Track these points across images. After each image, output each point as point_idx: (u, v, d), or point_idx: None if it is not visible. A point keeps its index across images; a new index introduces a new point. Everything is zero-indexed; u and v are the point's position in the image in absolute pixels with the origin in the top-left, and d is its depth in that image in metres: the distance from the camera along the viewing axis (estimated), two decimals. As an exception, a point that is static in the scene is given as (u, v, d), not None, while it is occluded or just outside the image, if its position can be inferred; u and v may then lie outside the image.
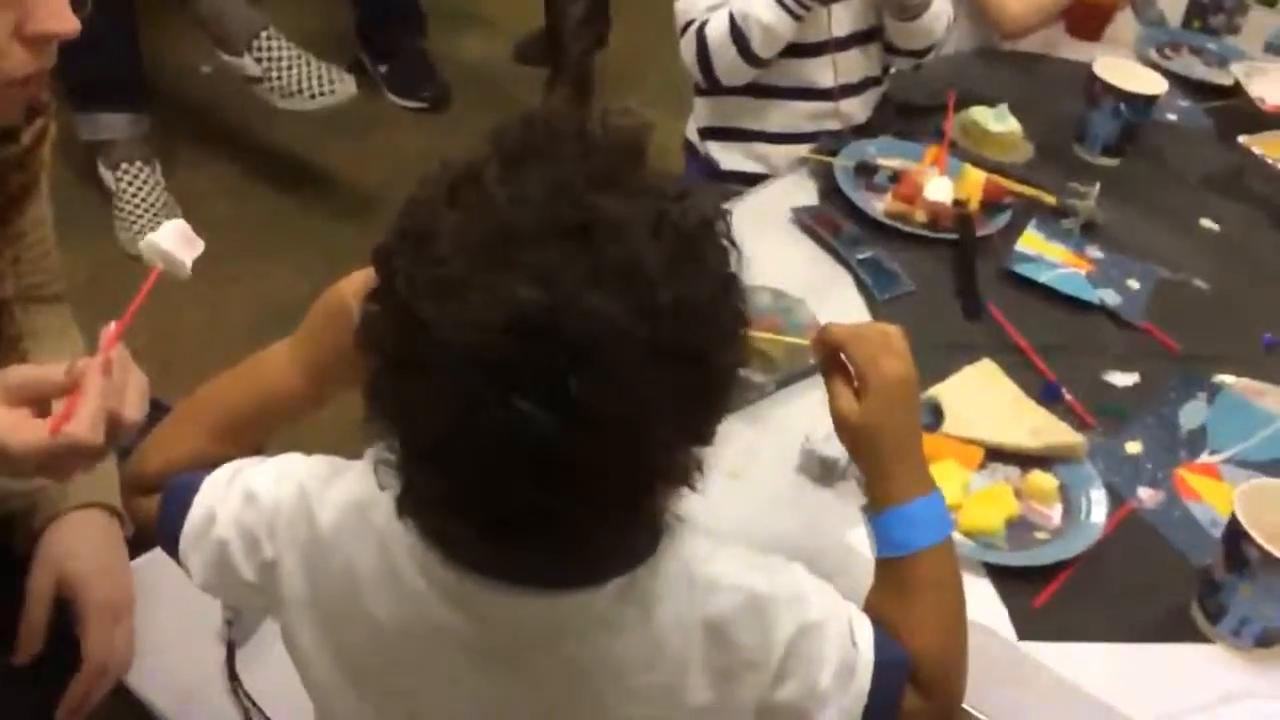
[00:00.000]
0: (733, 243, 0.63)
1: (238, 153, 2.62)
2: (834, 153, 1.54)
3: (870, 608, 0.78)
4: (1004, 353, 1.30)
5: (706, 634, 0.69)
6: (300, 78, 2.30)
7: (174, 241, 0.81)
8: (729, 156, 1.66)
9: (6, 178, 0.99)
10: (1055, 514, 1.12)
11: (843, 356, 0.83)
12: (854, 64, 1.61)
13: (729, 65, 1.52)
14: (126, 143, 2.36)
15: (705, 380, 0.61)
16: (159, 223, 2.27)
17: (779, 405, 1.21)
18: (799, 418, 1.17)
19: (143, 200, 2.36)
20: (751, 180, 1.60)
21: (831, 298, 1.36)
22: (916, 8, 1.54)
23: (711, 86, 1.57)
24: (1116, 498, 1.15)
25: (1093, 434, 1.21)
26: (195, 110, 2.69)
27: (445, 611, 0.67)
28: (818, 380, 0.87)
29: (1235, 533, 1.00)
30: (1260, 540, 0.97)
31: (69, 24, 0.80)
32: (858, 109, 1.64)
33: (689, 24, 1.53)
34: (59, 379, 0.79)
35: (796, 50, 1.55)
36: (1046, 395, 1.26)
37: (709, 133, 1.68)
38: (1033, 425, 1.19)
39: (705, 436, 0.64)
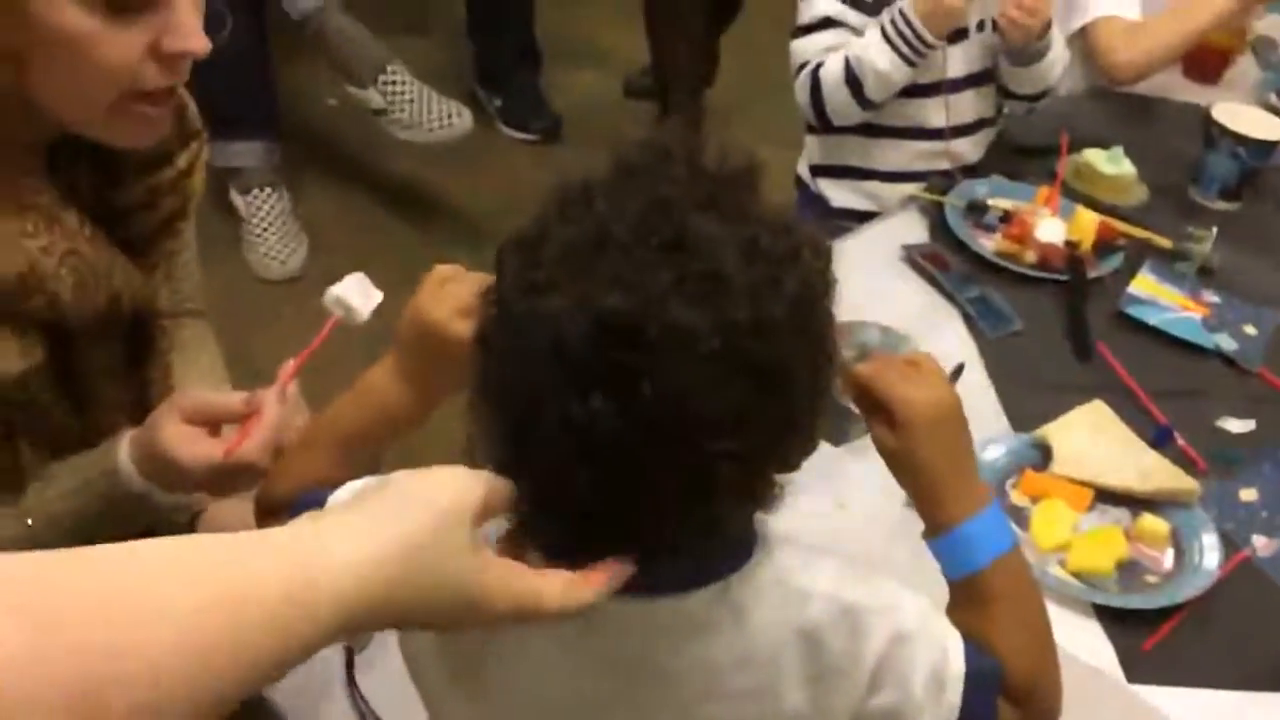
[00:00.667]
0: (828, 275, 0.66)
1: (360, 182, 2.72)
2: (944, 191, 1.56)
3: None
4: (1115, 394, 1.30)
5: (800, 641, 0.71)
6: (421, 111, 2.39)
7: (354, 292, 0.87)
8: (840, 194, 1.69)
9: (160, 201, 1.05)
10: (1166, 558, 1.12)
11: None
12: (967, 105, 1.63)
13: (842, 107, 1.55)
14: (258, 170, 2.47)
15: (779, 400, 0.63)
16: (288, 246, 2.43)
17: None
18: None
19: (272, 224, 2.46)
20: (862, 218, 1.63)
21: (940, 334, 1.37)
22: (1035, 54, 1.55)
23: (824, 127, 1.60)
24: (1230, 545, 1.14)
25: (1206, 479, 1.21)
26: (322, 140, 2.81)
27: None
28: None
29: (1352, 583, 0.99)
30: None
31: (201, 43, 0.85)
32: (970, 149, 1.66)
33: (803, 65, 1.57)
34: (235, 406, 0.84)
35: (910, 91, 1.58)
36: (1159, 439, 1.25)
37: (820, 170, 1.71)
38: (1143, 468, 1.19)
39: (784, 459, 0.66)
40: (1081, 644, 1.03)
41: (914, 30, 1.50)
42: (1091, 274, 1.47)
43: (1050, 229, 1.50)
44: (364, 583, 0.53)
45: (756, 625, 0.71)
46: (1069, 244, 1.49)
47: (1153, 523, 1.14)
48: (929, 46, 1.51)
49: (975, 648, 0.76)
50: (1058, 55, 1.59)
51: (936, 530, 0.81)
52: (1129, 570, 1.10)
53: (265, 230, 2.45)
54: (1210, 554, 1.11)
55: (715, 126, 2.91)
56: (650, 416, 0.59)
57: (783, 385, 0.62)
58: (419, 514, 0.57)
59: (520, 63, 2.95)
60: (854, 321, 1.32)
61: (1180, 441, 1.26)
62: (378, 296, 0.89)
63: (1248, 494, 1.21)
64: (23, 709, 0.42)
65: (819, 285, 0.65)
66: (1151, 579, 1.10)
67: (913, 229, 1.54)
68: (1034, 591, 0.82)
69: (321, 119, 2.83)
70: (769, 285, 0.61)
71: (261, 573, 0.50)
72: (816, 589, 0.73)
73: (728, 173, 0.65)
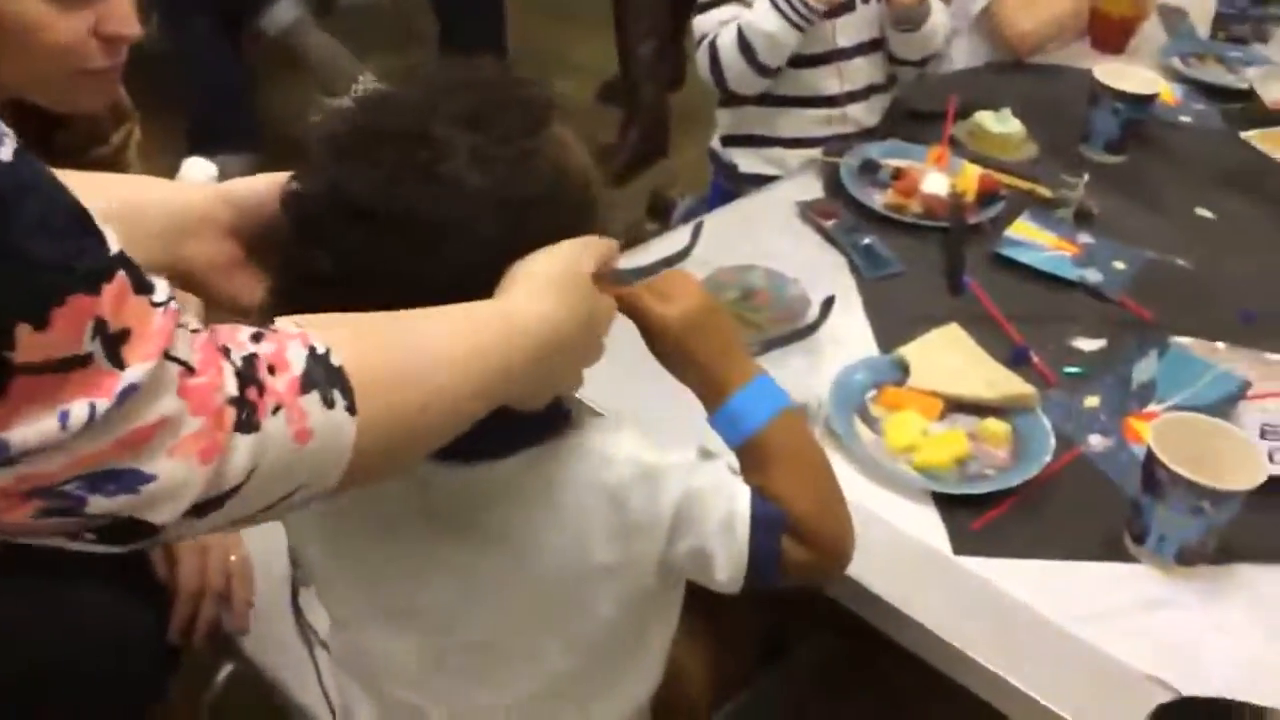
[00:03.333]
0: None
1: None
2: (842, 154, 1.70)
3: None
4: (981, 324, 1.43)
5: (605, 501, 0.85)
6: None
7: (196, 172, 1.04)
8: (747, 161, 1.84)
9: None
10: (1005, 454, 1.25)
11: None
12: (859, 72, 1.77)
13: (739, 75, 1.70)
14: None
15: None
16: None
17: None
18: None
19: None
20: (768, 182, 1.77)
21: (823, 276, 1.50)
22: (914, 21, 1.69)
23: (728, 97, 1.74)
24: (1067, 443, 1.26)
25: (1054, 390, 1.33)
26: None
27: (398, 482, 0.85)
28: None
29: (1150, 459, 1.11)
30: (1167, 462, 1.09)
31: (135, 29, 1.03)
32: (865, 114, 1.80)
33: (703, 38, 1.72)
34: None
35: (803, 61, 1.72)
36: (1015, 358, 1.38)
37: (730, 140, 1.86)
38: (990, 379, 1.31)
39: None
40: (918, 529, 1.16)
41: None
42: (972, 220, 1.60)
43: (935, 182, 1.63)
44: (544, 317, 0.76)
45: (565, 488, 0.85)
46: (952, 194, 1.62)
47: (995, 424, 1.26)
48: (812, 10, 1.66)
49: (760, 498, 0.89)
50: (938, 21, 1.73)
51: (713, 410, 0.93)
52: (969, 466, 1.23)
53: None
54: (1044, 449, 1.23)
55: (682, 126, 3.07)
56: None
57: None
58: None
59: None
60: (742, 265, 1.46)
61: (1035, 359, 1.38)
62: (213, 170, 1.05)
63: (1090, 401, 1.33)
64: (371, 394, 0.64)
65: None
66: (989, 472, 1.23)
67: (811, 190, 1.68)
68: (812, 446, 0.95)
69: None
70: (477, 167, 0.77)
71: (484, 311, 0.75)
72: (619, 454, 0.86)
73: (496, 96, 0.81)
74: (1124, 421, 1.30)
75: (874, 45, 1.77)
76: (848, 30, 1.73)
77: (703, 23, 1.73)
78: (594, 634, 0.91)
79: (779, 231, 1.60)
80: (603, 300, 0.84)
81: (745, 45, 1.68)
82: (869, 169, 1.68)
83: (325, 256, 0.76)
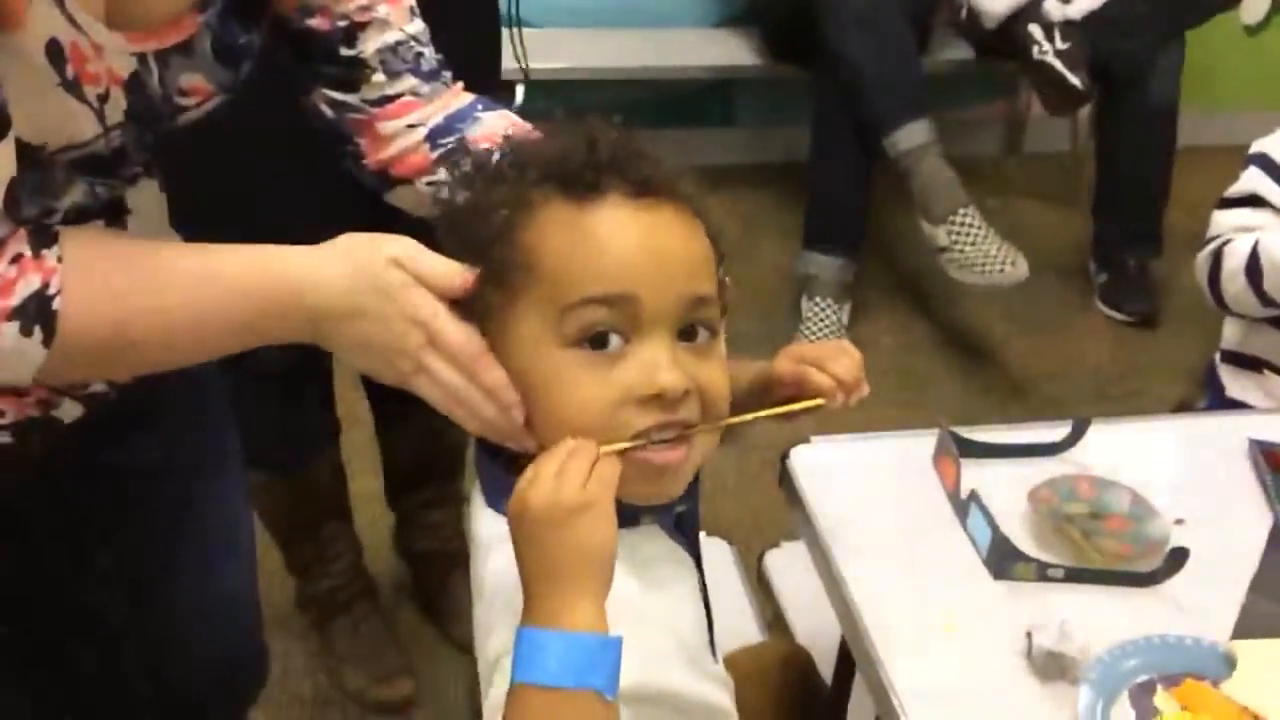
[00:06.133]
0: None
1: (919, 314, 2.85)
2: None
3: None
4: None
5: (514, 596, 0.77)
6: (979, 253, 2.49)
7: None
8: (1239, 385, 1.51)
9: None
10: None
11: None
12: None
13: (1238, 294, 1.43)
14: (831, 282, 2.74)
15: None
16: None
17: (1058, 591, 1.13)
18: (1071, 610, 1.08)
19: (824, 332, 2.72)
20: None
21: (1228, 531, 1.20)
22: None
23: (1220, 308, 1.46)
24: None
25: None
26: (898, 267, 2.98)
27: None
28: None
29: None
30: None
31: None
32: None
33: (1214, 238, 1.45)
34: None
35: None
36: None
37: (1228, 355, 1.54)
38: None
39: None
40: None
41: None
42: None
43: None
44: (320, 280, 0.81)
45: (492, 566, 0.82)
46: None
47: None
48: None
49: None
50: None
51: (521, 623, 0.74)
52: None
53: (813, 333, 2.71)
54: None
55: None
56: None
57: None
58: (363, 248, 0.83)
59: (1139, 247, 2.89)
60: (1110, 480, 1.23)
61: None
62: None
63: None
64: (80, 333, 0.78)
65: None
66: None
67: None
68: None
69: (902, 249, 2.99)
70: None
71: (238, 259, 0.83)
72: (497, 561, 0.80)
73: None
74: None
75: None
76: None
77: (1220, 221, 1.46)
78: None
79: (1198, 463, 1.31)
80: (412, 301, 0.80)
81: (1254, 267, 1.40)
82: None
83: None
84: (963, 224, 2.50)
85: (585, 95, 2.90)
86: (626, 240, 0.79)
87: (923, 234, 2.57)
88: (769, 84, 3.24)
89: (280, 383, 1.56)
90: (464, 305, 0.82)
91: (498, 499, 0.82)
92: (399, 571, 2.07)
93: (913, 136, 2.54)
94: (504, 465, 0.84)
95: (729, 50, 3.05)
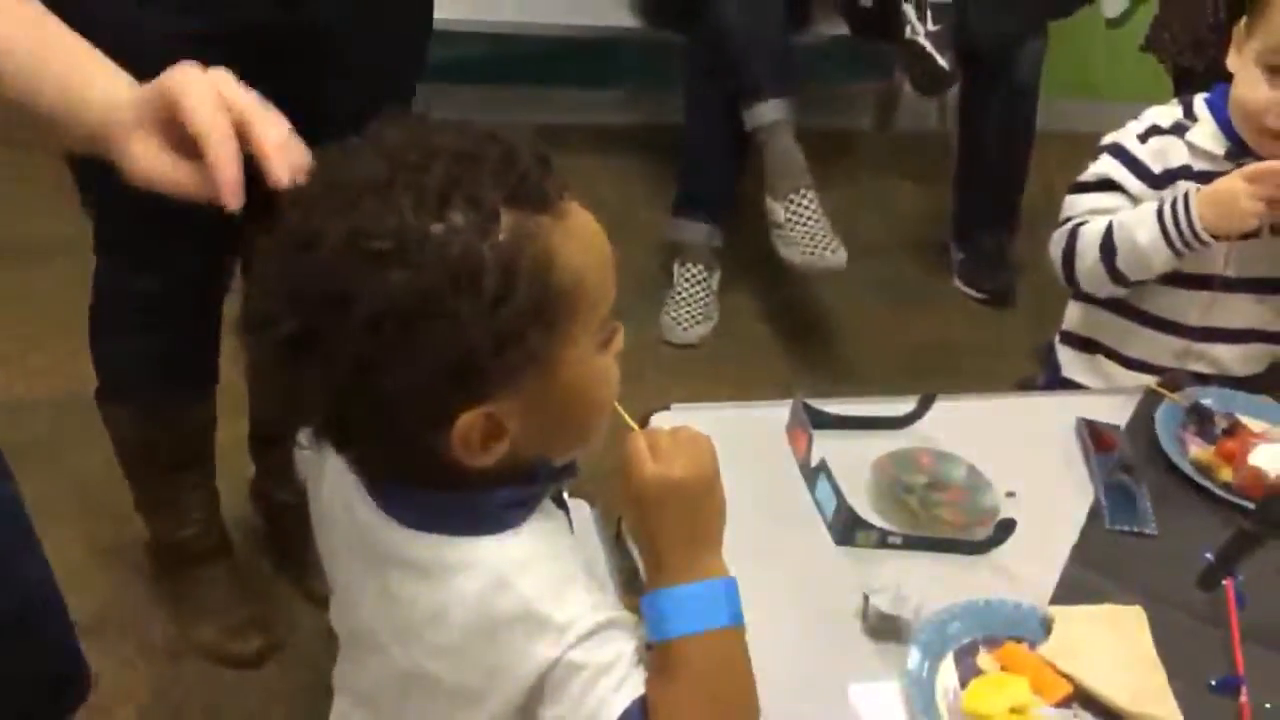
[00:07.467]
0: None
1: (786, 284, 2.89)
2: (1178, 389, 1.43)
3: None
4: (1201, 631, 1.14)
5: (482, 625, 0.78)
6: (806, 235, 2.54)
7: None
8: (1074, 365, 1.60)
9: None
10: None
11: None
12: (1236, 310, 1.47)
13: (1090, 272, 1.49)
14: (700, 248, 2.79)
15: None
16: (699, 320, 2.71)
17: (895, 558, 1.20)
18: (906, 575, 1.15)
19: (694, 299, 2.77)
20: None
21: (1053, 504, 1.28)
22: None
23: (1074, 291, 1.54)
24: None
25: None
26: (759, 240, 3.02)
27: (346, 515, 0.86)
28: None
29: None
30: None
31: None
32: (1235, 361, 1.50)
33: (1068, 219, 1.53)
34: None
35: (1179, 279, 1.47)
36: (1222, 686, 1.09)
37: (1066, 336, 1.63)
38: (1139, 687, 1.05)
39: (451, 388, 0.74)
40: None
41: (1190, 222, 1.41)
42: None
43: (1269, 455, 1.32)
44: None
45: (455, 593, 0.80)
46: (1283, 481, 1.30)
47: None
48: (1201, 243, 1.41)
49: (642, 709, 0.78)
50: None
51: (649, 590, 0.82)
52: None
53: (685, 301, 2.75)
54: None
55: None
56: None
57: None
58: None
59: (992, 227, 3.00)
60: (947, 454, 1.30)
61: (1244, 699, 1.08)
62: None
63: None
64: None
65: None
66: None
67: (1109, 414, 1.43)
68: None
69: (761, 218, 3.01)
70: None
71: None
72: (518, 586, 0.79)
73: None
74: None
75: (1270, 286, 1.47)
76: (1246, 260, 1.45)
77: (1074, 203, 1.53)
78: None
79: (1032, 439, 1.39)
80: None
81: (1108, 245, 1.47)
82: (1199, 415, 1.40)
83: None
84: (800, 204, 2.54)
85: (464, 49, 2.87)
86: (601, 239, 0.82)
87: (764, 206, 2.62)
88: (648, 45, 3.26)
89: (166, 314, 1.58)
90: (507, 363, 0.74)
91: (471, 525, 0.81)
92: (253, 521, 2.05)
93: (770, 112, 2.58)
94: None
95: (607, 10, 3.05)
